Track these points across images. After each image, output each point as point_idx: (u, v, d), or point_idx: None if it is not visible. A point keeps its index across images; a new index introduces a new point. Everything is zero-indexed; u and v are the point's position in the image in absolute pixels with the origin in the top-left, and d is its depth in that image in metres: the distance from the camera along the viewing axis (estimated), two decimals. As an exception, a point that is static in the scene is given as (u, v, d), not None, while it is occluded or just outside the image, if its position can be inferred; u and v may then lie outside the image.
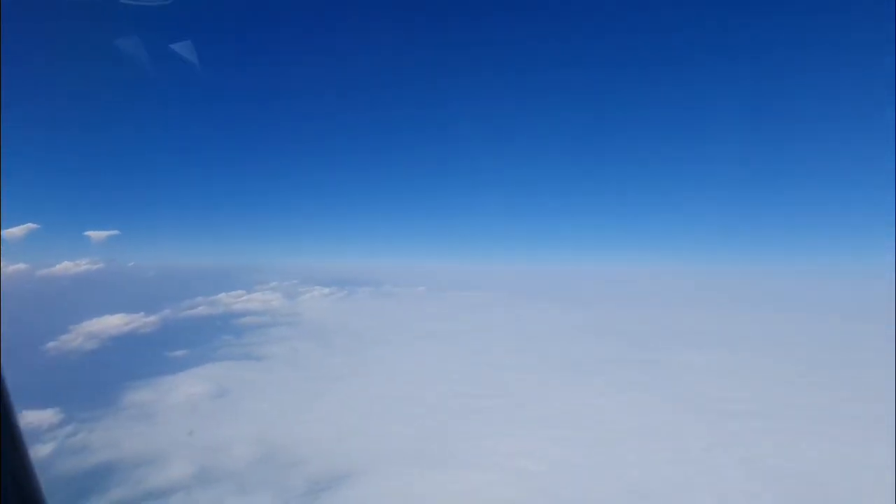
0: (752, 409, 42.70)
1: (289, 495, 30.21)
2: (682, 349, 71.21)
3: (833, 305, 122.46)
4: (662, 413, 42.97)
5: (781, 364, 60.77)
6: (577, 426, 40.07)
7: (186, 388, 51.59)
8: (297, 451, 36.37)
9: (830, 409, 42.31)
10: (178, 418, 43.67)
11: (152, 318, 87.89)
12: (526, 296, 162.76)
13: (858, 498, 27.42)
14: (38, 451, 34.93)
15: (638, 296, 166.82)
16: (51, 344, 70.37)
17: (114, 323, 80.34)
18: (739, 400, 45.57)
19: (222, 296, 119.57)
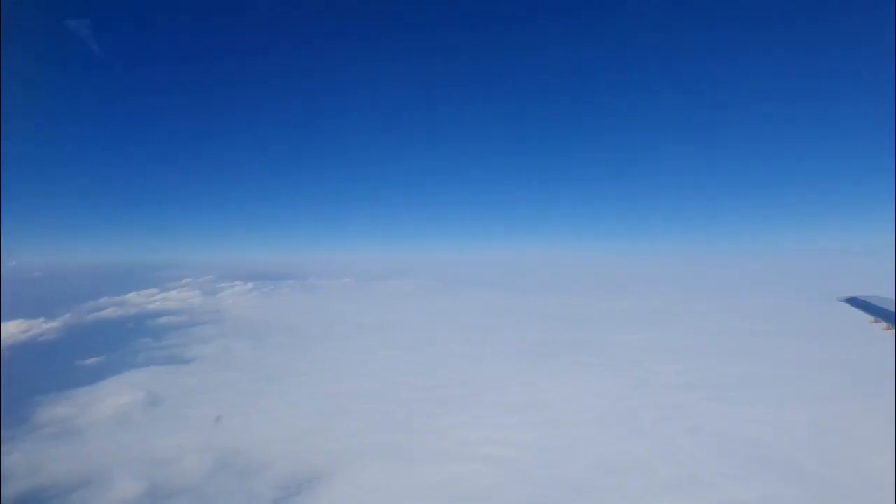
0: (689, 380, 46.43)
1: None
2: (614, 330, 75.75)
3: (745, 282, 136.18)
4: (609, 391, 45.51)
5: (709, 339, 66.62)
6: (534, 410, 41.41)
7: (111, 398, 46.87)
8: (254, 455, 34.40)
9: (760, 375, 47.02)
10: (108, 432, 39.64)
11: (54, 323, 78.69)
12: (452, 283, 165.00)
13: (796, 454, 30.83)
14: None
15: (560, 281, 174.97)
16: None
17: (9, 330, 70.89)
18: (676, 373, 49.38)
19: (132, 295, 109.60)
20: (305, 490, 29.80)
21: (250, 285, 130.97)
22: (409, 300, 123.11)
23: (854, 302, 13.62)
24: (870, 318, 12.50)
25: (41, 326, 76.23)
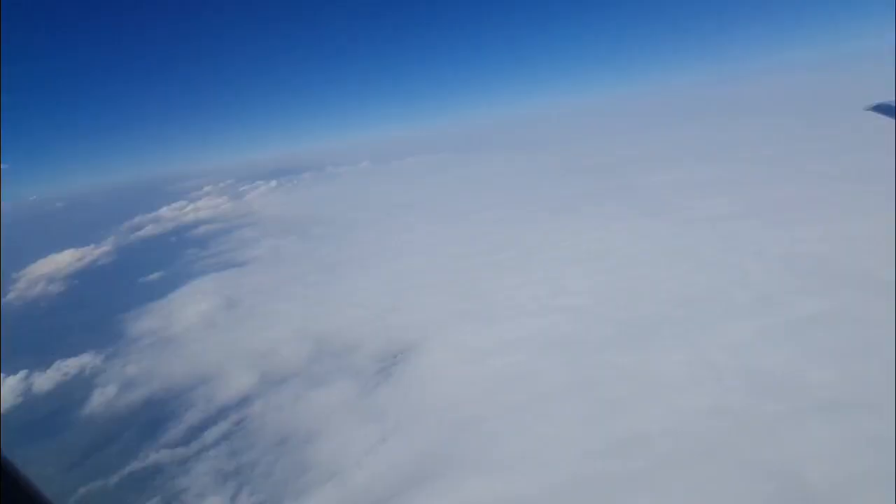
0: (739, 210, 46.56)
1: (364, 377, 31.37)
2: (646, 172, 74.78)
3: (758, 105, 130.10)
4: (661, 231, 46.13)
5: (745, 167, 65.50)
6: (591, 259, 42.58)
7: (190, 306, 49.91)
8: (344, 338, 37.03)
9: (808, 196, 46.75)
10: (201, 336, 42.86)
11: (104, 247, 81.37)
12: (468, 152, 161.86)
13: (863, 264, 31.69)
14: (84, 399, 33.82)
15: (573, 132, 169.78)
16: (5, 298, 64.63)
17: (66, 259, 73.93)
18: (724, 205, 49.38)
19: (164, 210, 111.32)
20: (402, 360, 32.46)
21: (273, 183, 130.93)
22: (431, 174, 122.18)
23: (881, 108, 12.94)
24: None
25: (94, 252, 79.04)
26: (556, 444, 22.00)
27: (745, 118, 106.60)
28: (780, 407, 20.83)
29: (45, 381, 35.84)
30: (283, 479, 23.70)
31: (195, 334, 43.15)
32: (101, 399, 33.39)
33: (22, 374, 35.83)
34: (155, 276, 67.34)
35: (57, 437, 31.08)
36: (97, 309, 54.82)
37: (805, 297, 28.63)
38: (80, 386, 35.40)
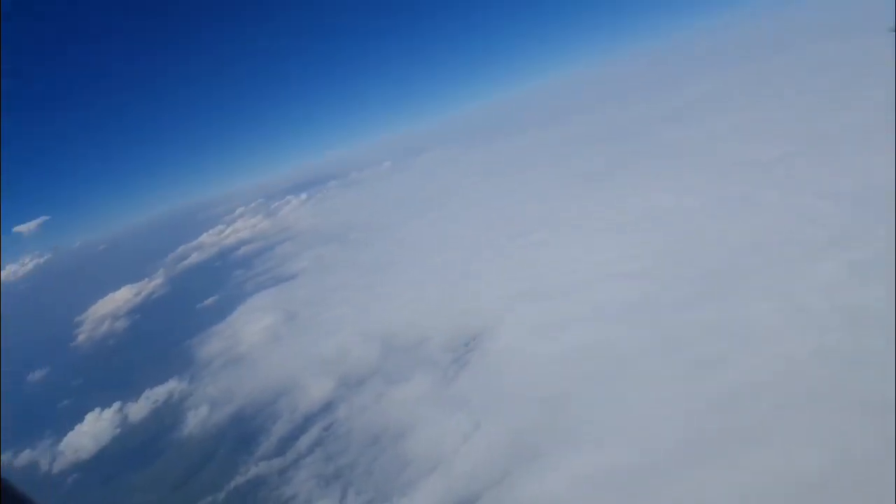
0: (787, 151, 44.56)
1: (440, 368, 31.56)
2: (667, 130, 72.17)
3: (765, 45, 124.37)
4: (704, 185, 44.65)
5: (776, 110, 62.77)
6: (638, 224, 41.62)
7: (251, 325, 51.14)
8: (410, 332, 37.32)
9: (855, 125, 44.44)
10: (269, 351, 43.91)
11: (157, 280, 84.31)
12: (481, 139, 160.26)
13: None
14: (175, 423, 35.08)
15: (577, 103, 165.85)
16: (77, 340, 67.64)
17: (124, 297, 76.91)
18: (768, 150, 47.36)
19: (205, 237, 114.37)
20: (474, 347, 32.52)
21: (304, 196, 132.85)
22: (452, 166, 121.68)
23: None
24: None
25: (149, 286, 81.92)
26: (655, 408, 21.64)
27: (765, 59, 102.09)
28: (888, 344, 19.97)
29: (137, 410, 37.39)
30: (385, 476, 24.09)
31: (263, 350, 44.25)
32: (191, 422, 34.67)
33: (116, 405, 37.48)
34: (210, 300, 69.30)
35: (157, 461, 32.45)
36: (164, 338, 56.82)
37: (887, 229, 27.31)
38: (170, 412, 36.85)
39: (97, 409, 36.96)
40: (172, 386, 40.08)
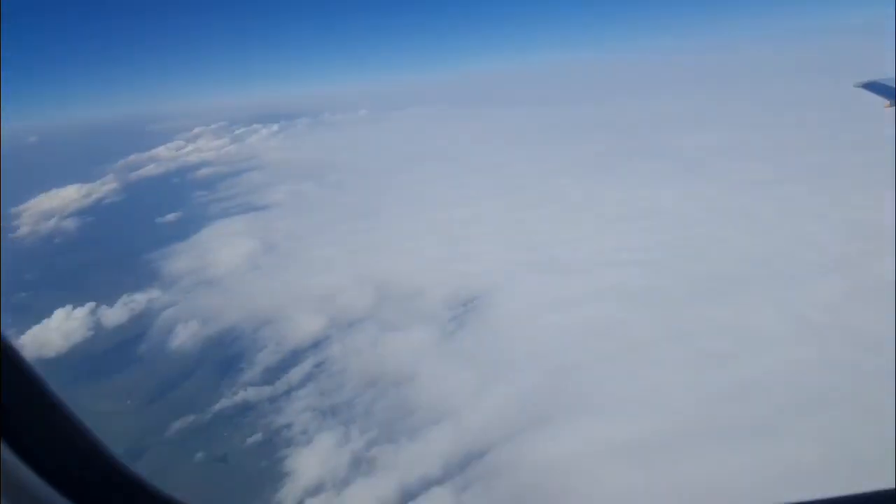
0: (782, 175, 46.67)
1: (439, 323, 31.34)
2: (669, 133, 74.26)
3: (751, 73, 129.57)
4: (709, 192, 46.26)
5: (766, 132, 65.51)
6: (647, 216, 42.67)
7: (226, 249, 48.52)
8: (406, 283, 36.72)
9: (851, 164, 47.05)
10: (249, 278, 42.05)
11: (110, 185, 78.08)
12: (472, 105, 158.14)
13: None
14: (152, 340, 33.05)
15: (586, 90, 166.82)
16: (17, 232, 61.75)
17: (70, 195, 70.67)
18: (759, 169, 49.49)
19: (161, 150, 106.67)
20: (475, 307, 32.45)
21: (275, 127, 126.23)
22: (440, 126, 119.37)
23: (873, 87, 12.50)
24: (886, 101, 11.71)
25: (100, 189, 75.82)
26: (668, 390, 22.51)
27: (762, 84, 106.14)
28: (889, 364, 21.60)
29: (113, 314, 34.68)
30: (387, 419, 23.84)
31: (242, 277, 42.26)
32: (168, 336, 32.72)
33: (89, 306, 34.58)
34: (171, 217, 65.19)
35: (129, 370, 30.55)
36: (121, 246, 53.05)
37: (883, 259, 29.28)
38: (147, 322, 34.55)
39: (68, 307, 34.06)
40: (154, 296, 37.59)
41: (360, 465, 21.31)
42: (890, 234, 31.58)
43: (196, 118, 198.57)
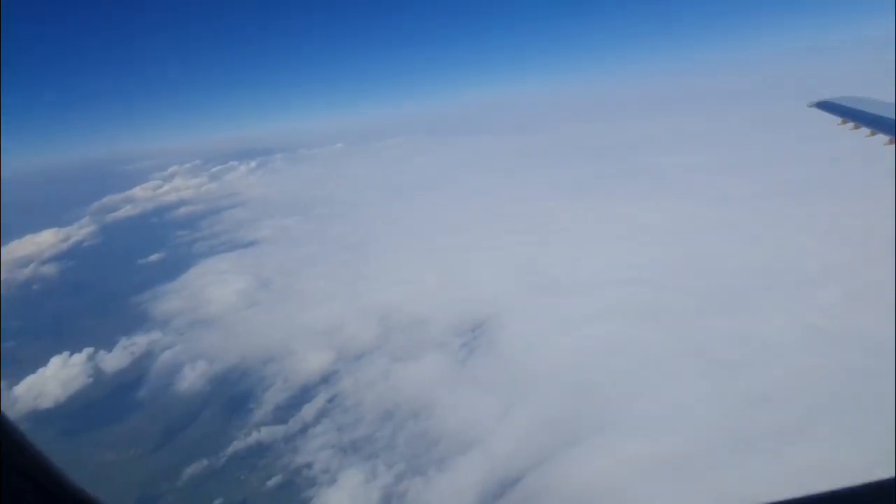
0: (760, 190, 48.59)
1: (450, 350, 31.18)
2: (657, 154, 76.47)
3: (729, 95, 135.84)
4: (695, 209, 47.74)
5: (746, 152, 68.36)
6: (638, 234, 43.70)
7: (219, 288, 47.48)
8: (408, 312, 36.51)
9: (824, 178, 49.39)
10: (247, 316, 41.14)
11: (87, 228, 75.94)
12: (446, 135, 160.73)
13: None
14: (153, 384, 31.82)
15: (555, 117, 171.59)
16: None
17: (47, 241, 68.40)
18: (744, 185, 51.58)
19: (137, 190, 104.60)
20: (484, 332, 32.41)
21: (253, 164, 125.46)
22: (418, 156, 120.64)
23: (825, 106, 12.90)
24: (838, 119, 11.77)
25: (78, 233, 73.64)
26: (688, 402, 22.77)
27: (735, 105, 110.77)
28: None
29: (113, 359, 33.13)
30: (413, 451, 23.39)
31: (239, 314, 41.34)
32: (171, 378, 31.50)
33: (87, 352, 32.95)
34: (154, 257, 63.68)
35: (133, 416, 29.18)
36: (106, 290, 51.26)
37: (872, 264, 30.56)
38: (148, 365, 33.21)
39: (65, 353, 32.45)
40: (154, 338, 36.25)
41: (393, 501, 20.73)
42: (877, 239, 33.23)
43: (168, 157, 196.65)
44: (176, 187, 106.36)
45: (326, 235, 61.94)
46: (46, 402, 29.43)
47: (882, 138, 10.83)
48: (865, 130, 11.38)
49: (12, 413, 30.86)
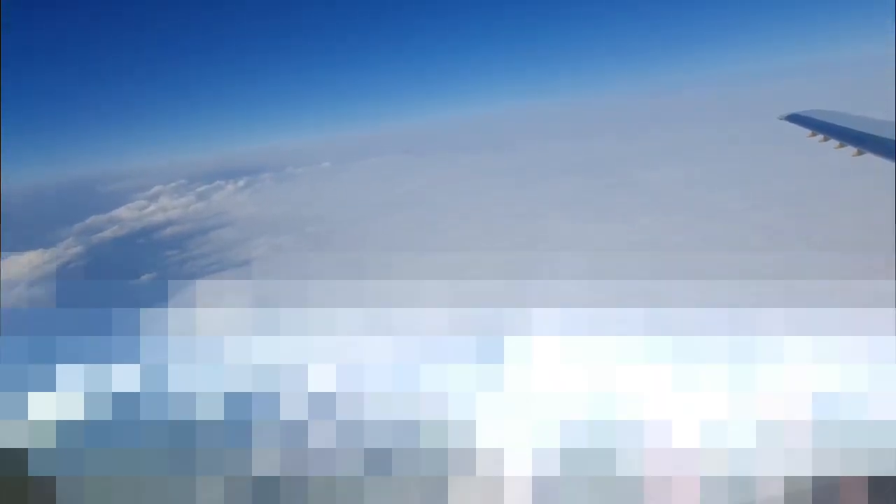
0: (755, 203, 50.12)
1: (472, 364, 30.96)
2: (635, 170, 78.39)
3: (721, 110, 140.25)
4: (687, 222, 48.90)
5: (729, 165, 70.40)
6: (637, 247, 44.46)
7: (219, 310, 46.48)
8: (421, 328, 36.24)
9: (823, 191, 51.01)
10: (252, 338, 40.28)
11: (73, 249, 74.06)
12: (433, 152, 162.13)
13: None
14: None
15: (532, 135, 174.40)
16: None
17: (32, 262, 66.38)
18: (736, 199, 53.01)
19: (122, 211, 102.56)
20: (503, 348, 32.31)
21: (241, 182, 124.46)
22: (406, 173, 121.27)
23: (796, 119, 13.36)
24: (808, 132, 12.27)
25: (64, 253, 71.78)
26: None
27: (715, 122, 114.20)
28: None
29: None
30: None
31: (242, 335, 40.44)
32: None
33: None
34: (145, 278, 62.35)
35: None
36: (100, 312, 49.79)
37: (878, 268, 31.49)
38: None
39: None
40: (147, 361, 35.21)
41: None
42: (872, 244, 34.44)
43: (151, 177, 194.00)
44: (162, 207, 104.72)
45: (321, 254, 61.67)
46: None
47: (850, 150, 10.99)
48: (834, 142, 11.72)
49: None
